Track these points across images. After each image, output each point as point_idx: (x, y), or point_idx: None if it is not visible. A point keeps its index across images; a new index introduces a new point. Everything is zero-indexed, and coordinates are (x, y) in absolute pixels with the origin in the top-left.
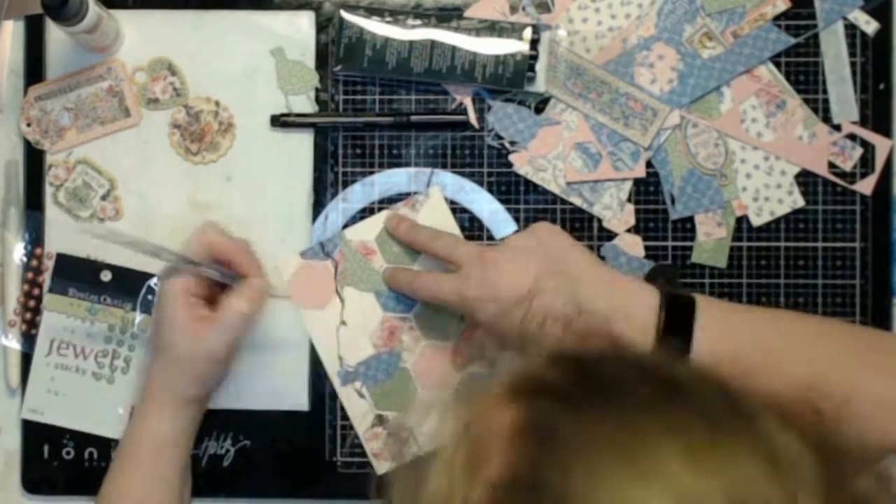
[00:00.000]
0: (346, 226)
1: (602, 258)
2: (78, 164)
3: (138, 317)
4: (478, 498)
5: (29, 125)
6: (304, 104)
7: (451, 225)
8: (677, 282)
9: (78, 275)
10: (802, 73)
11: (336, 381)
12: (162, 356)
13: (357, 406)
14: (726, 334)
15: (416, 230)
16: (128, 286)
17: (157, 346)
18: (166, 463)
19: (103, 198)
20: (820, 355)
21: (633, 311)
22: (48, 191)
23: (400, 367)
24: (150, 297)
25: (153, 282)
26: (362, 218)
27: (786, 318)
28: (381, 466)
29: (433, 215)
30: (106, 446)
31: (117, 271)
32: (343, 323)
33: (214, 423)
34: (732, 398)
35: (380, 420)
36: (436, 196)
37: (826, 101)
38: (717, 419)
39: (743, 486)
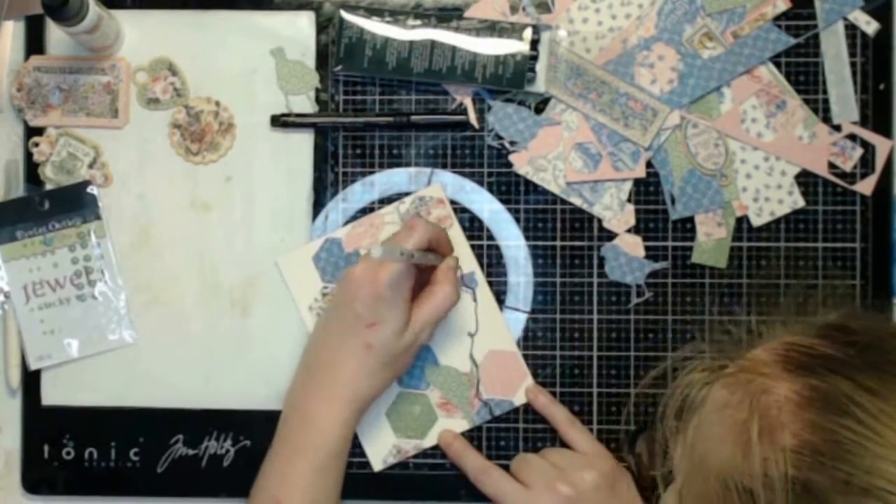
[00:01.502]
0: (345, 226)
1: (602, 259)
2: (60, 137)
3: (91, 226)
4: (779, 471)
5: (19, 91)
6: (304, 104)
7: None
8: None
9: (19, 216)
10: (802, 73)
11: None
12: (374, 356)
13: None
14: None
15: (465, 456)
16: (68, 204)
17: (368, 343)
18: (342, 464)
19: (90, 166)
20: None
21: None
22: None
23: None
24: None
25: (89, 189)
26: (363, 216)
27: None
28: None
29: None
30: (106, 446)
31: (53, 195)
32: None
33: (214, 423)
34: None
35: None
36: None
37: (826, 101)
38: None
39: None
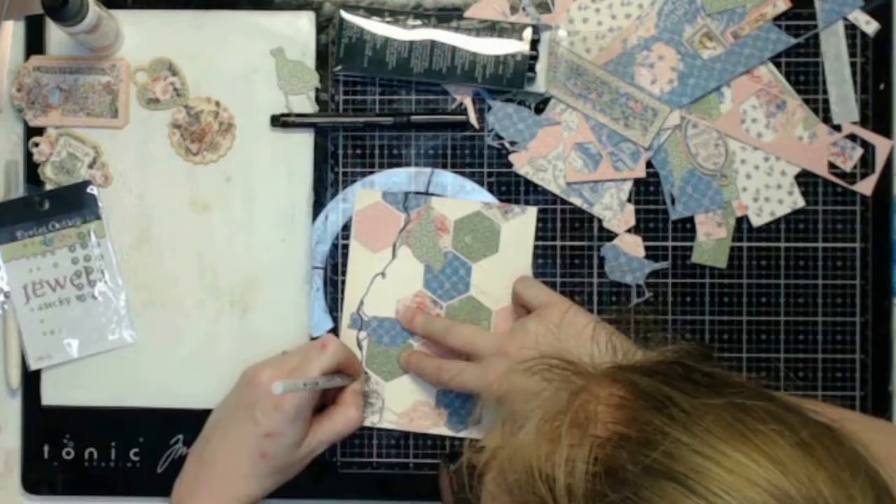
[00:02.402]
0: (346, 227)
1: (602, 259)
2: (60, 137)
3: (91, 226)
4: (583, 455)
5: (19, 90)
6: (304, 104)
7: (528, 247)
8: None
9: (19, 216)
10: (802, 73)
11: (345, 321)
12: (266, 463)
13: None
14: None
15: (431, 323)
16: (68, 204)
17: (263, 451)
18: None
19: (90, 166)
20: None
21: None
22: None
23: (406, 343)
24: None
25: (89, 188)
26: None
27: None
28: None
29: (518, 230)
30: (106, 446)
31: (53, 196)
32: (382, 275)
33: None
34: (831, 428)
35: (364, 376)
36: (531, 214)
37: (826, 101)
38: (820, 431)
39: (844, 486)
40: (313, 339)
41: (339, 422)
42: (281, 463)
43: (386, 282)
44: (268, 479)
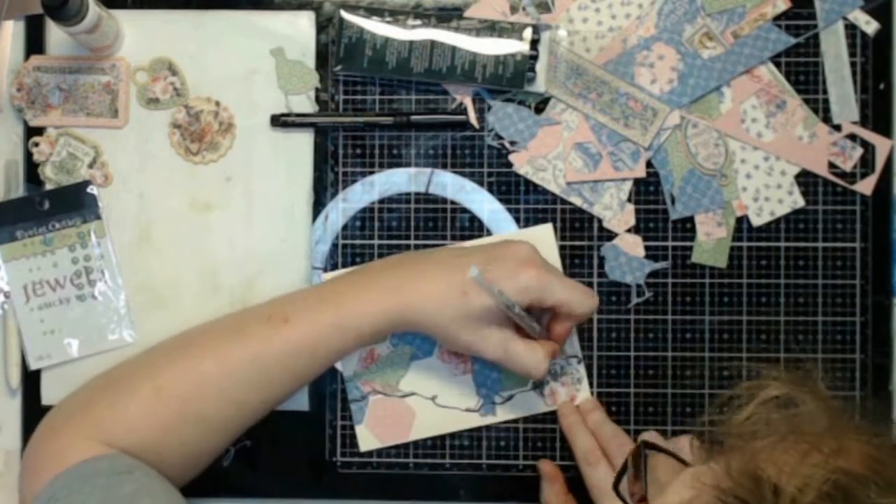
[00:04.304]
0: (345, 227)
1: (602, 258)
2: (60, 137)
3: (91, 226)
4: (821, 475)
5: (19, 91)
6: (304, 104)
7: (553, 261)
8: None
9: (18, 216)
10: (802, 73)
11: None
12: (457, 300)
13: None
14: None
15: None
16: (68, 204)
17: (466, 290)
18: (353, 344)
19: (90, 166)
20: None
21: None
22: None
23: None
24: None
25: (89, 188)
26: (362, 218)
27: None
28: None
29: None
30: None
31: (53, 195)
32: None
33: None
34: None
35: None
36: (546, 231)
37: (826, 101)
38: None
39: None
40: None
41: (528, 356)
42: (465, 315)
43: None
44: (443, 313)
